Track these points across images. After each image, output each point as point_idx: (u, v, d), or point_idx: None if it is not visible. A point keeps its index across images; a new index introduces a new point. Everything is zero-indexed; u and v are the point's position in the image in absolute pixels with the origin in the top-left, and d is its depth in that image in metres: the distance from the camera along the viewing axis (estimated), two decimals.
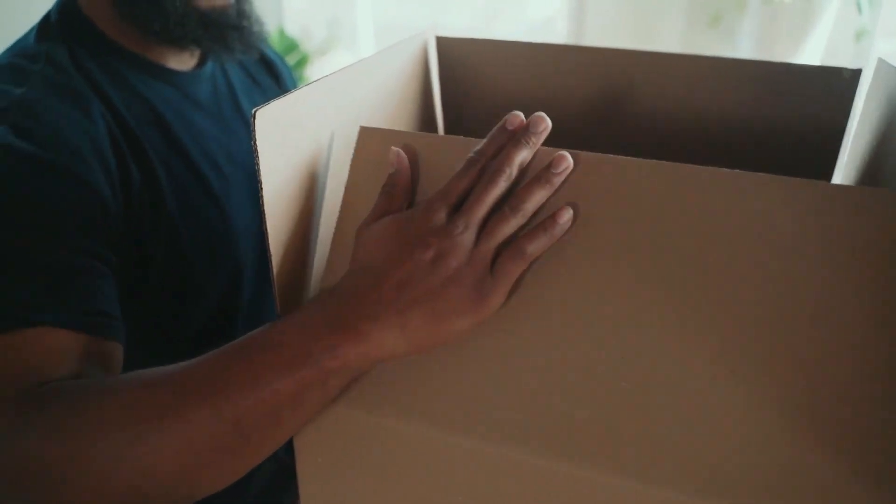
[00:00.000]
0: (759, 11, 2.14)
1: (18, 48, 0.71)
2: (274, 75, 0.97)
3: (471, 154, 0.48)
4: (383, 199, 0.50)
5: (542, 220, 0.47)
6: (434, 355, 0.48)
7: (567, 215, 0.46)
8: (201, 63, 0.83)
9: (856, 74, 0.67)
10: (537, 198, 0.47)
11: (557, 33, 2.78)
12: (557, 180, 0.47)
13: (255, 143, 0.44)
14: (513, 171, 0.47)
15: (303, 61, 2.28)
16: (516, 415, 0.45)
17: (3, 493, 0.45)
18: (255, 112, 0.43)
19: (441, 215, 0.46)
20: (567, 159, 0.47)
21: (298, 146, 0.50)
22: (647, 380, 0.44)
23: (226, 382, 0.44)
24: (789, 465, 0.40)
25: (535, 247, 0.46)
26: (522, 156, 0.48)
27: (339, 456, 0.50)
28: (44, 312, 0.54)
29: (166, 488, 0.45)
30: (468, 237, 0.46)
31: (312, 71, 2.39)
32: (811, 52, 2.09)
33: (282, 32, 2.27)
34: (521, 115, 0.49)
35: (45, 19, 0.74)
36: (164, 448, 0.43)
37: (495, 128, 0.49)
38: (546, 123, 0.48)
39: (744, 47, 2.21)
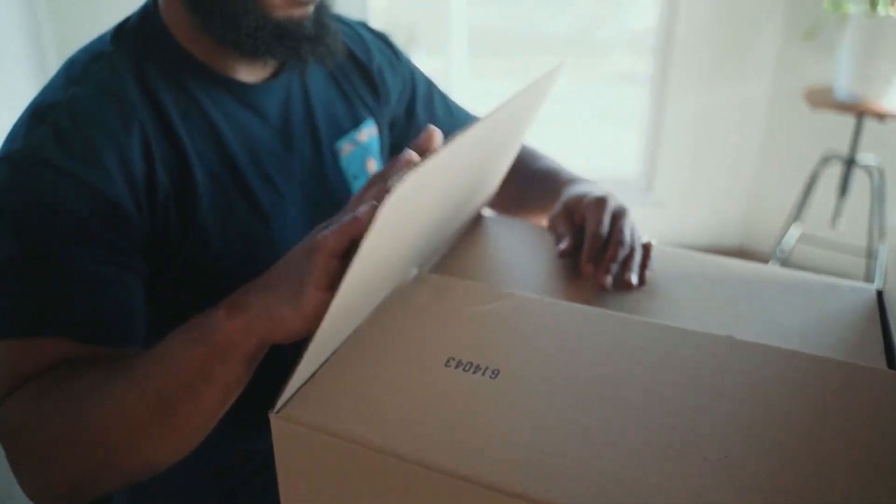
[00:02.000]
0: (860, 24, 2.01)
1: (92, 45, 0.74)
2: (366, 75, 0.92)
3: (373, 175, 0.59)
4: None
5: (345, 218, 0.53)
6: (420, 382, 0.51)
7: (364, 209, 0.53)
8: (276, 73, 0.81)
9: None
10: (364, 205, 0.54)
11: (649, 47, 2.70)
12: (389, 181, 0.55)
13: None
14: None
15: None
16: (503, 451, 0.46)
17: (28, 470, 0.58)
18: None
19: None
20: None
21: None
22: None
23: (145, 361, 0.56)
24: None
25: (333, 240, 0.52)
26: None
27: (320, 481, 0.50)
28: (58, 324, 0.60)
29: (118, 455, 0.56)
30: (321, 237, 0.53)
31: None
32: None
33: None
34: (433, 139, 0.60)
35: (125, 21, 0.76)
36: (105, 420, 0.55)
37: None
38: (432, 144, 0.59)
39: (841, 61, 2.08)
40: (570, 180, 0.88)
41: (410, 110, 0.99)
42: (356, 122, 0.90)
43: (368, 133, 0.92)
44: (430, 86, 1.03)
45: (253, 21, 0.70)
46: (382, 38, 0.98)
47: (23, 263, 0.61)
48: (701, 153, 2.69)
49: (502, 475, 0.44)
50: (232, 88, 0.77)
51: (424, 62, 2.82)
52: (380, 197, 0.53)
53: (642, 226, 0.75)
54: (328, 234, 0.53)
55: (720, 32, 2.51)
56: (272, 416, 0.50)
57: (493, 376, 0.53)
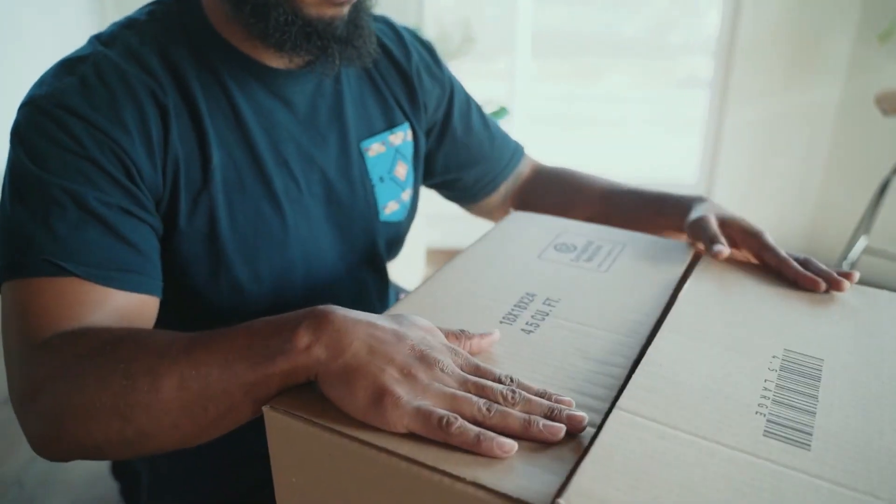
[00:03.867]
0: None
1: (129, 17, 0.77)
2: (405, 78, 0.92)
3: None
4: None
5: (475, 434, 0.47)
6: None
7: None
8: (309, 63, 0.79)
9: None
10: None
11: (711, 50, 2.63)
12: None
13: None
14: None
15: None
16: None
17: (19, 413, 0.58)
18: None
19: (452, 365, 0.52)
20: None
21: None
22: None
23: (197, 359, 0.52)
24: None
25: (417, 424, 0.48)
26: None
27: (313, 474, 0.51)
28: (70, 263, 0.61)
29: (139, 435, 0.54)
30: (442, 383, 0.50)
31: None
32: None
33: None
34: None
35: None
36: (140, 401, 0.53)
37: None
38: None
39: None
40: (680, 198, 0.91)
41: (447, 120, 0.98)
42: (390, 124, 0.90)
43: (402, 136, 0.91)
44: (468, 99, 1.03)
45: (283, 15, 0.70)
46: (425, 45, 0.97)
47: (41, 199, 0.63)
48: (764, 160, 2.60)
49: (492, 474, 0.44)
50: (260, 74, 0.77)
51: (486, 62, 2.81)
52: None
53: None
54: (423, 407, 0.48)
55: (789, 34, 2.41)
56: (265, 409, 0.50)
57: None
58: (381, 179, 0.89)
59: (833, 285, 0.72)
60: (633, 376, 0.55)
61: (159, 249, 0.70)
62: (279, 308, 0.81)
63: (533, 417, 0.48)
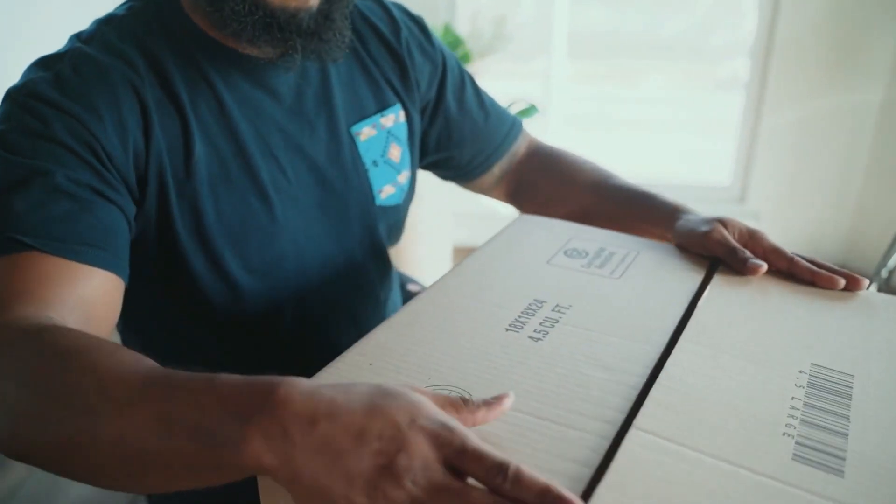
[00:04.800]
0: None
1: (109, 14, 0.75)
2: (396, 59, 0.89)
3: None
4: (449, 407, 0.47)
5: None
6: None
7: None
8: (290, 52, 0.76)
9: None
10: None
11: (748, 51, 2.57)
12: None
13: None
14: None
15: (464, 58, 2.26)
16: None
17: None
18: None
19: (425, 474, 0.40)
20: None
21: None
22: None
23: (140, 416, 0.45)
24: None
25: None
26: None
27: None
28: (29, 237, 0.59)
29: (82, 473, 0.48)
30: (420, 493, 0.40)
31: (472, 69, 2.37)
32: None
33: (447, 28, 2.26)
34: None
35: None
36: (76, 440, 0.47)
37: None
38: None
39: None
40: (679, 209, 0.88)
41: (440, 98, 0.95)
42: (381, 107, 0.88)
43: (394, 118, 0.89)
44: (462, 75, 0.99)
45: (239, 4, 0.68)
46: (415, 20, 0.94)
47: (5, 180, 0.61)
48: (803, 163, 2.53)
49: None
50: (242, 64, 0.75)
51: (522, 63, 2.78)
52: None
53: None
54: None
55: (829, 34, 2.34)
56: None
57: None
58: (375, 163, 0.87)
59: (851, 283, 0.70)
60: (651, 392, 0.52)
61: (128, 234, 0.68)
62: (274, 302, 0.81)
63: None
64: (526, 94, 2.36)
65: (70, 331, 0.54)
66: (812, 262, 0.74)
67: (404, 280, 1.16)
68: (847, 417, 0.51)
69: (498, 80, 2.50)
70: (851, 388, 0.55)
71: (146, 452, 0.44)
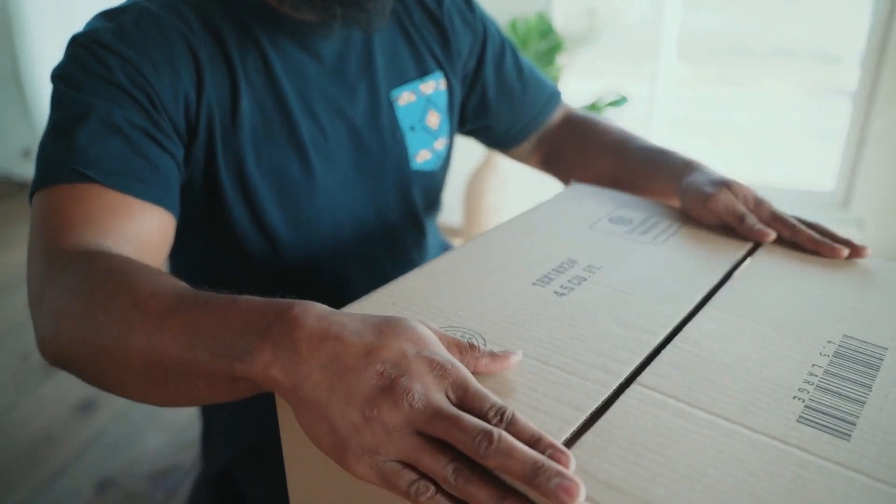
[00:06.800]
0: None
1: None
2: (438, 27, 0.91)
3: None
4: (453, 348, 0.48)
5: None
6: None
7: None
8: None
9: None
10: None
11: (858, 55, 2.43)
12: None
13: None
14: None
15: (556, 48, 2.24)
16: None
17: (31, 311, 0.59)
18: None
19: (426, 395, 0.42)
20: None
21: None
22: None
23: (167, 329, 0.49)
24: None
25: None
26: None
27: (324, 470, 0.49)
28: (90, 170, 0.64)
29: (108, 381, 0.54)
30: (409, 423, 0.41)
31: (563, 59, 2.35)
32: None
33: (541, 17, 2.25)
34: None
35: None
36: (107, 346, 0.51)
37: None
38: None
39: None
40: (689, 165, 0.85)
41: (479, 67, 0.96)
42: (422, 73, 0.89)
43: (434, 86, 0.90)
44: (503, 44, 0.99)
45: None
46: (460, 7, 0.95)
47: (69, 115, 0.66)
48: None
49: None
50: (288, 27, 0.78)
51: (630, 63, 2.73)
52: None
53: None
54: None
55: None
56: None
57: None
58: (412, 128, 0.88)
59: (854, 252, 0.69)
60: (663, 352, 0.51)
61: (178, 177, 0.72)
62: (311, 258, 0.84)
63: (507, 496, 0.39)
64: (631, 95, 2.31)
65: (120, 255, 0.60)
66: (816, 228, 0.72)
67: (449, 249, 1.17)
68: (869, 387, 0.48)
69: (598, 79, 2.47)
70: (882, 360, 0.52)
71: (170, 361, 0.48)
